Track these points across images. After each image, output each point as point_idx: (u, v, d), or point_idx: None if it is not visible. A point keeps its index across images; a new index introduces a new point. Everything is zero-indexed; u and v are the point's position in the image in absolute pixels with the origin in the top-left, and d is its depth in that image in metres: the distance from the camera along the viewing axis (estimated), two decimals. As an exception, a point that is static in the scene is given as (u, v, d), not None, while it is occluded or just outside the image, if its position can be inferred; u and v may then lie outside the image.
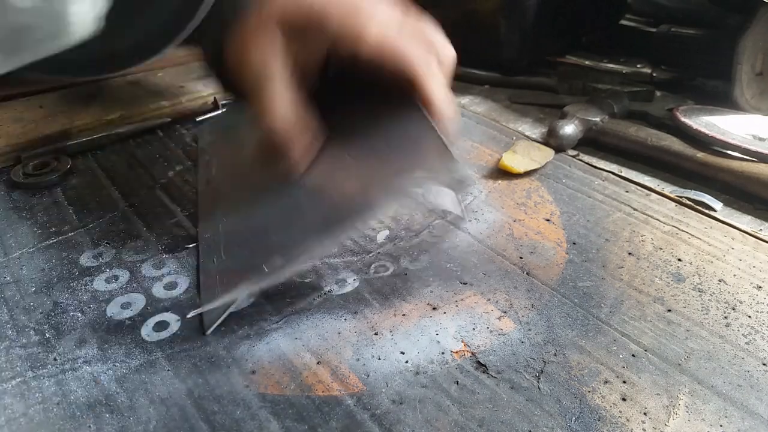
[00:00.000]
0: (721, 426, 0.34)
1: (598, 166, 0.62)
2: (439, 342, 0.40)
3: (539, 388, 0.37)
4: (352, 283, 0.45)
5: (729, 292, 0.44)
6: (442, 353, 0.39)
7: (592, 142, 0.66)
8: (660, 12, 0.92)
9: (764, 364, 0.38)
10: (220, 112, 0.70)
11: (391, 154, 0.45)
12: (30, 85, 0.76)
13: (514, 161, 0.60)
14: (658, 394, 0.36)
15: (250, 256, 0.43)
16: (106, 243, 0.51)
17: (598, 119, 0.66)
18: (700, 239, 0.50)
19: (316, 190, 0.44)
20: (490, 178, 0.60)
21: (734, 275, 0.46)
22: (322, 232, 0.40)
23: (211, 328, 0.41)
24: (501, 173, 0.61)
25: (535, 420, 0.35)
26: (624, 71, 0.83)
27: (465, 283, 0.45)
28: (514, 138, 0.68)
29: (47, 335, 0.41)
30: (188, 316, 0.41)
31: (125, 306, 0.43)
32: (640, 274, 0.46)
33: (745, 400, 0.36)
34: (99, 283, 0.46)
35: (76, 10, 0.24)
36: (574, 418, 0.35)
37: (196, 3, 0.37)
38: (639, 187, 0.58)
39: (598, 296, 0.44)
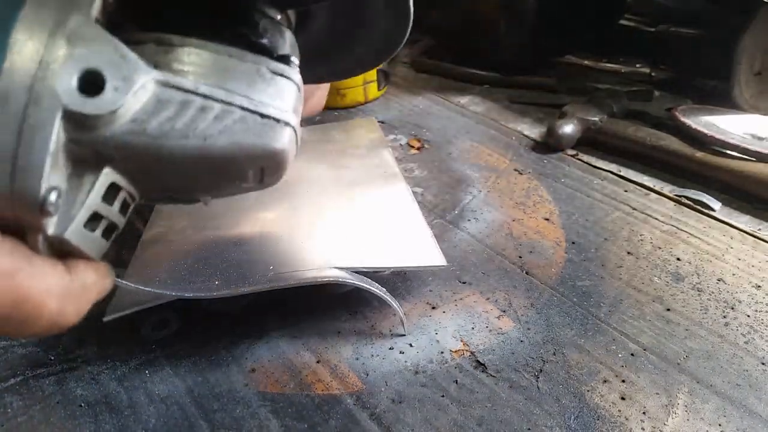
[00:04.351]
0: (719, 425, 0.34)
1: (597, 165, 0.62)
2: (438, 341, 0.40)
3: (538, 387, 0.37)
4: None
5: (728, 292, 0.44)
6: (442, 352, 0.39)
7: (591, 142, 0.66)
8: (659, 12, 0.92)
9: (763, 364, 0.38)
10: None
11: (376, 239, 0.44)
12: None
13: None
14: (657, 393, 0.36)
15: (190, 266, 0.41)
16: (106, 242, 0.51)
17: (597, 119, 0.66)
18: (699, 238, 0.50)
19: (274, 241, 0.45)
20: (489, 177, 0.60)
21: (733, 274, 0.46)
22: (265, 273, 0.39)
23: (112, 317, 0.37)
24: (501, 172, 0.61)
25: (534, 419, 0.35)
26: (623, 71, 0.83)
27: (464, 282, 0.46)
28: (514, 137, 0.68)
29: (47, 334, 0.41)
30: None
31: (125, 305, 0.43)
32: (639, 274, 0.46)
33: (744, 399, 0.36)
34: (99, 282, 0.46)
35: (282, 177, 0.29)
36: (573, 416, 0.35)
37: (403, 28, 0.36)
38: (638, 187, 0.58)
39: (597, 295, 0.44)
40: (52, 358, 0.39)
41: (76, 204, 0.22)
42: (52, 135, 0.20)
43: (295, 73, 0.26)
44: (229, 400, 0.36)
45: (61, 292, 0.23)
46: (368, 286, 0.39)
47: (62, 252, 0.23)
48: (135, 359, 0.39)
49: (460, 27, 0.88)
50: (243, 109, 0.24)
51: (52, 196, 0.21)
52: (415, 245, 0.43)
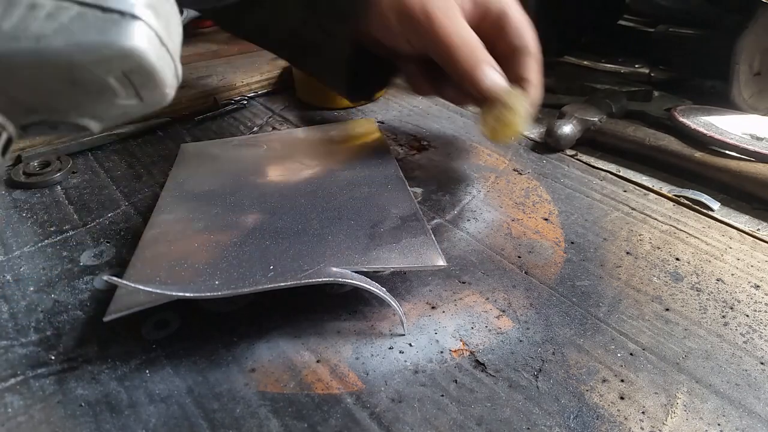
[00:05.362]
0: (719, 425, 0.34)
1: (596, 165, 0.63)
2: (437, 341, 0.40)
3: (537, 386, 0.37)
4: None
5: (727, 291, 0.44)
6: (441, 352, 0.39)
7: (590, 142, 0.66)
8: (658, 12, 0.92)
9: (762, 363, 0.38)
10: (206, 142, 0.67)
11: (375, 239, 0.44)
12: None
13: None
14: (656, 393, 0.36)
15: (190, 266, 0.42)
16: (107, 242, 0.51)
17: (596, 119, 0.66)
18: (698, 238, 0.50)
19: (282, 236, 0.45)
20: (488, 177, 0.60)
21: (732, 274, 0.46)
22: (266, 273, 0.40)
23: (112, 317, 0.37)
24: (500, 172, 0.61)
25: (534, 418, 0.35)
26: (622, 71, 0.84)
27: (464, 282, 0.46)
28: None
29: (48, 334, 0.41)
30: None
31: (125, 305, 0.43)
32: (638, 274, 0.46)
33: (743, 399, 0.36)
34: (100, 282, 0.46)
35: (170, 93, 0.25)
36: (572, 416, 0.35)
37: None
38: (637, 187, 0.58)
39: (596, 295, 0.44)
40: (52, 357, 0.39)
41: None
42: None
43: None
44: (229, 399, 0.36)
45: None
46: (368, 286, 0.39)
47: None
48: (135, 359, 0.39)
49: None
50: (79, 3, 0.21)
51: None
52: (415, 246, 0.43)
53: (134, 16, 0.21)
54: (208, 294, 0.37)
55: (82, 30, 0.21)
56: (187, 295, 0.37)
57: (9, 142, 0.24)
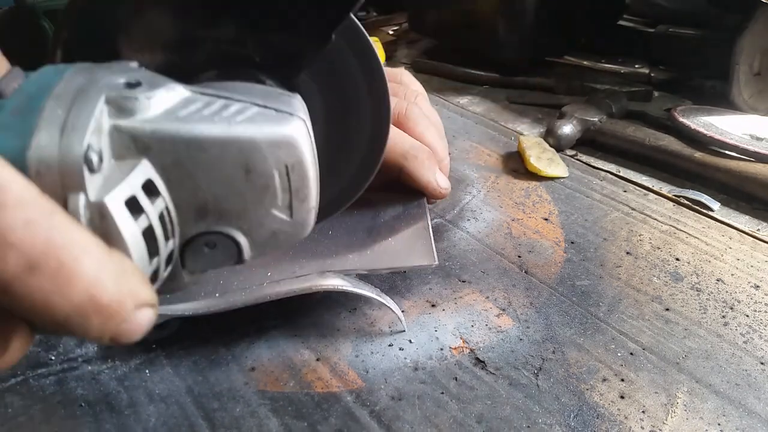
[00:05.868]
0: (719, 424, 0.34)
1: (596, 165, 0.63)
2: (438, 338, 0.40)
3: (538, 385, 0.37)
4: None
5: (727, 292, 0.44)
6: (441, 350, 0.39)
7: (590, 142, 0.66)
8: (658, 12, 0.92)
9: (762, 363, 0.38)
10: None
11: (373, 236, 0.45)
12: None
13: (542, 164, 0.60)
14: (656, 393, 0.36)
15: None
16: (106, 241, 0.51)
17: (596, 119, 0.66)
18: (698, 239, 0.50)
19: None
20: (488, 177, 0.60)
21: (732, 274, 0.46)
22: (263, 279, 0.40)
23: None
24: (500, 172, 0.61)
25: (534, 417, 0.35)
26: (622, 71, 0.84)
27: (464, 281, 0.46)
28: (513, 138, 0.68)
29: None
30: None
31: (125, 304, 0.43)
32: (638, 273, 0.46)
33: (743, 399, 0.36)
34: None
35: (312, 216, 0.30)
36: (572, 415, 0.35)
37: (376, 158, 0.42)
38: (637, 187, 0.58)
39: (596, 295, 0.44)
40: (53, 358, 0.39)
41: (115, 180, 0.23)
42: (97, 105, 0.23)
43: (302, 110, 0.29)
44: (229, 399, 0.36)
45: (98, 256, 0.20)
46: (366, 292, 0.39)
47: (102, 236, 0.22)
48: (135, 359, 0.39)
49: (459, 27, 0.88)
50: (260, 106, 0.27)
51: (94, 156, 0.22)
52: (412, 244, 0.43)
53: (300, 118, 0.27)
54: (206, 310, 0.37)
55: (262, 119, 0.26)
56: (186, 314, 0.37)
57: (169, 258, 0.27)
